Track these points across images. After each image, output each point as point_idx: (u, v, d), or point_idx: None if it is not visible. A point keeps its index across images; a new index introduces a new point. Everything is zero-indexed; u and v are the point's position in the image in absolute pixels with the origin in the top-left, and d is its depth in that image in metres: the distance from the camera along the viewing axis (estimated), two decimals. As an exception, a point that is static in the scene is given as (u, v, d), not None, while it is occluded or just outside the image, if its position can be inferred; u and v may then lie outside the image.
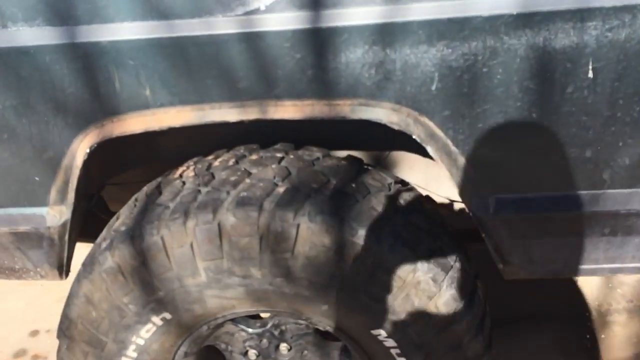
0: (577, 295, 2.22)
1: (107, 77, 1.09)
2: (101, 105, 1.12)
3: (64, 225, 1.28)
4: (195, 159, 1.32)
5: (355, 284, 1.13)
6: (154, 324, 1.23)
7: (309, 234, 1.10)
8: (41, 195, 1.26)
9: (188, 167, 1.29)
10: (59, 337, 1.30)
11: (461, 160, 1.12)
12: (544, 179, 1.13)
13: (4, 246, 1.35)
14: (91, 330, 1.24)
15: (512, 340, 2.06)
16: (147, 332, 1.24)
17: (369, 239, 1.11)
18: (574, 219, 1.16)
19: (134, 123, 1.13)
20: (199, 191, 1.18)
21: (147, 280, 1.16)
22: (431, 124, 1.09)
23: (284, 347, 1.37)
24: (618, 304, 2.22)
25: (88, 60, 1.07)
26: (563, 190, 1.14)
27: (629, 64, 0.99)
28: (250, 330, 1.36)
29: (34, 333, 2.44)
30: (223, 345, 1.40)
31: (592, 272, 1.27)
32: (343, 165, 1.26)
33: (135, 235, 1.15)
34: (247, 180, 1.18)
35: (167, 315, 1.22)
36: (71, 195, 1.24)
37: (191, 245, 1.13)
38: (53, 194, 1.25)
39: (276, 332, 1.36)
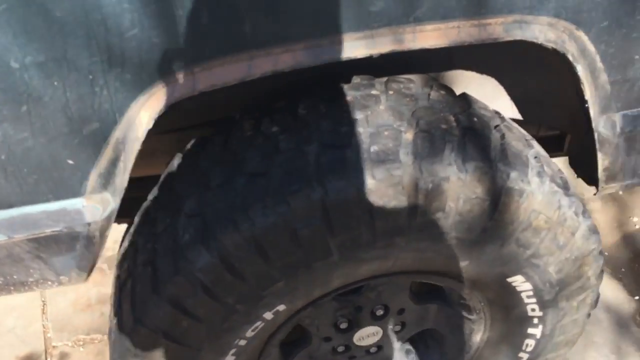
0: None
1: (192, 10, 0.76)
2: (178, 50, 0.79)
3: (109, 218, 0.95)
4: (253, 110, 1.04)
5: (506, 233, 0.99)
6: (263, 320, 0.99)
7: (460, 186, 0.92)
8: (75, 184, 0.91)
9: (256, 119, 1.00)
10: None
11: (603, 77, 0.99)
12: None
13: (16, 258, 0.98)
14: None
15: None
16: (252, 331, 1.00)
17: (521, 181, 0.96)
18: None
19: (228, 71, 0.82)
20: (303, 151, 0.92)
21: (263, 271, 0.91)
22: (585, 39, 0.93)
23: (379, 311, 1.21)
24: (589, 192, 2.34)
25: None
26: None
27: None
28: (340, 301, 1.17)
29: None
30: (308, 321, 1.20)
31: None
32: (448, 97, 1.06)
33: (238, 219, 0.88)
34: (361, 130, 0.94)
35: (281, 307, 0.99)
36: (122, 179, 0.91)
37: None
38: (93, 179, 0.90)
39: (372, 297, 1.19)
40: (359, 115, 0.97)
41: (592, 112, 1.04)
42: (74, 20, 0.74)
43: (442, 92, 1.07)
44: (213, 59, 0.81)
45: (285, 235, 0.89)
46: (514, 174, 0.95)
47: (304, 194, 0.87)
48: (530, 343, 1.25)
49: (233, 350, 1.02)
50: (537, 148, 1.08)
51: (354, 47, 0.85)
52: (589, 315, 1.25)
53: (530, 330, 1.22)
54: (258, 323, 0.99)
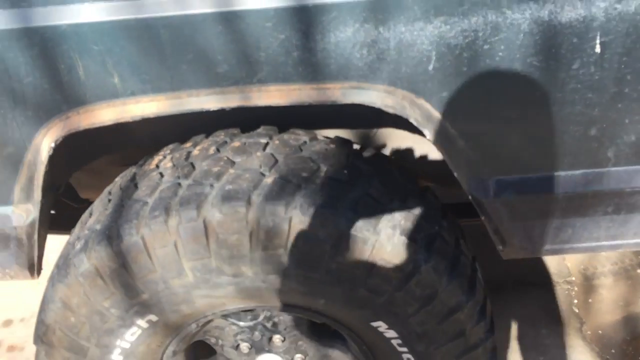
0: (562, 260, 2.22)
1: (70, 65, 0.98)
2: (64, 95, 1.01)
3: (31, 224, 1.18)
4: (171, 147, 1.23)
5: (353, 277, 1.07)
6: (139, 327, 1.16)
7: (301, 228, 1.03)
8: (4, 194, 1.15)
9: (165, 156, 1.19)
10: (35, 343, 1.22)
11: (460, 142, 1.05)
12: (546, 159, 1.08)
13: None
14: (71, 336, 1.16)
15: (499, 307, 2.06)
16: (132, 335, 1.17)
17: (367, 231, 1.04)
18: (577, 198, 1.12)
19: (104, 114, 1.03)
20: (180, 184, 1.09)
21: (128, 283, 1.08)
22: (428, 106, 1.01)
23: (277, 338, 1.32)
24: (603, 267, 2.23)
25: (46, 46, 0.96)
26: (566, 169, 1.09)
27: (638, 37, 0.93)
28: (241, 323, 1.30)
29: (7, 323, 2.34)
30: (213, 340, 1.34)
31: (593, 249, 1.24)
32: (332, 149, 1.18)
33: (112, 235, 1.07)
34: (232, 171, 1.09)
35: (153, 318, 1.15)
36: (37, 193, 1.13)
37: (175, 245, 1.04)
38: (17, 192, 1.14)
39: (269, 325, 1.30)
40: (237, 159, 1.12)
41: (457, 175, 1.10)
42: (-15, 69, 0.99)
43: (332, 145, 1.19)
44: (92, 104, 1.02)
45: (145, 254, 1.05)
46: (360, 223, 1.04)
47: (162, 220, 1.04)
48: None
49: (118, 351, 1.19)
50: (414, 205, 1.15)
51: (207, 101, 1.01)
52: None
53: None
54: (134, 329, 1.16)
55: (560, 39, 0.93)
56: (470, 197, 1.13)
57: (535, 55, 0.95)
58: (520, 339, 1.95)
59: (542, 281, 2.15)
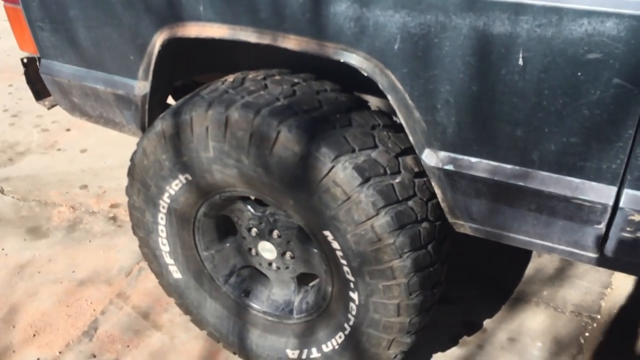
0: (598, 298, 2.23)
1: (177, -7, 1.50)
2: (173, 11, 1.55)
3: (145, 96, 1.77)
4: (242, 72, 1.71)
5: (311, 188, 1.45)
6: (180, 180, 1.68)
7: (284, 141, 1.43)
8: (133, 70, 1.75)
9: (233, 76, 1.68)
10: (127, 175, 1.82)
11: (416, 113, 1.35)
12: (482, 146, 1.31)
13: (109, 103, 1.89)
14: (143, 174, 1.74)
15: (506, 314, 2.19)
16: (176, 186, 1.70)
17: (327, 157, 1.40)
18: (505, 187, 1.33)
19: (191, 30, 1.54)
20: (227, 92, 1.57)
21: (177, 146, 1.61)
22: (393, 77, 1.32)
23: (275, 233, 1.75)
24: (635, 321, 2.19)
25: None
26: (499, 160, 1.31)
27: (554, 59, 1.12)
28: (253, 211, 1.75)
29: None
30: (235, 219, 1.82)
31: (528, 245, 1.42)
32: (341, 100, 1.54)
33: (177, 112, 1.59)
34: (261, 92, 1.53)
35: (189, 177, 1.66)
36: (150, 75, 1.71)
37: (206, 128, 1.53)
38: (141, 71, 1.74)
39: (271, 220, 1.73)
40: (270, 86, 1.56)
41: (413, 141, 1.39)
42: (135, -15, 1.56)
43: (344, 98, 1.56)
44: (185, 22, 1.54)
45: (189, 128, 1.56)
46: (325, 150, 1.41)
47: (204, 109, 1.53)
48: (353, 307, 1.60)
49: (167, 194, 1.73)
50: (380, 156, 1.46)
51: (250, 36, 1.46)
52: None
53: (350, 294, 1.58)
54: (177, 181, 1.68)
55: (491, 46, 1.17)
56: (421, 162, 1.41)
57: (471, 56, 1.20)
58: (512, 342, 2.08)
59: (565, 307, 2.20)
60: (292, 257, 1.77)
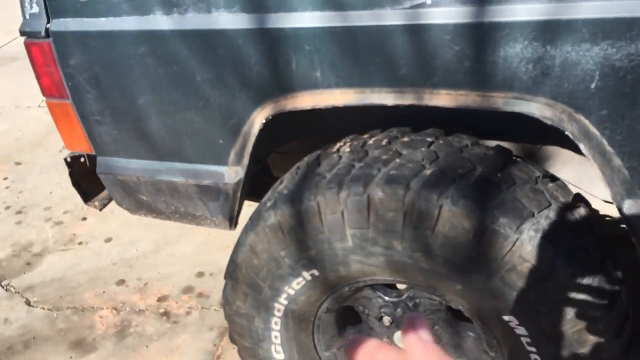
0: None
1: (286, 59, 1.25)
2: (279, 83, 1.30)
3: (238, 183, 1.50)
4: (351, 136, 1.45)
5: (491, 268, 1.19)
6: (304, 278, 1.40)
7: (450, 216, 1.18)
8: (223, 156, 1.48)
9: (345, 143, 1.42)
10: (225, 277, 1.53)
11: (616, 160, 1.11)
12: None
13: (190, 196, 1.61)
14: (252, 275, 1.45)
15: None
16: (297, 285, 1.42)
17: (509, 229, 1.15)
18: None
19: (304, 100, 1.29)
20: (353, 166, 1.31)
21: (301, 239, 1.33)
22: (586, 122, 1.09)
23: (415, 318, 1.47)
24: None
25: (273, 44, 1.25)
26: None
27: None
28: (386, 298, 1.48)
29: (200, 274, 2.82)
30: (361, 308, 1.54)
31: None
32: (490, 155, 1.30)
33: (295, 198, 1.32)
34: (397, 160, 1.28)
35: (316, 272, 1.38)
36: (246, 158, 1.44)
37: (342, 213, 1.26)
38: (232, 155, 1.47)
39: (410, 304, 1.46)
40: (403, 151, 1.31)
41: (611, 192, 1.15)
42: (227, 56, 1.31)
43: (491, 151, 1.32)
44: (298, 92, 1.29)
45: (318, 217, 1.29)
46: (503, 221, 1.16)
47: (335, 191, 1.27)
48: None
49: (285, 295, 1.45)
50: (561, 215, 1.22)
51: (386, 97, 1.22)
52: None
53: (538, 383, 1.31)
54: (300, 279, 1.40)
55: None
56: (622, 216, 1.17)
57: (701, 84, 0.98)
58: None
59: None
60: (439, 342, 1.49)
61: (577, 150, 1.33)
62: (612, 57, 1.01)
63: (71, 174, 1.83)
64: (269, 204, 1.40)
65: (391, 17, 1.13)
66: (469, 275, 1.22)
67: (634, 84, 1.02)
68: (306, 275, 1.40)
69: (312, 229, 1.31)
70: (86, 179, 1.84)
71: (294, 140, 1.69)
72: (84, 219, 3.54)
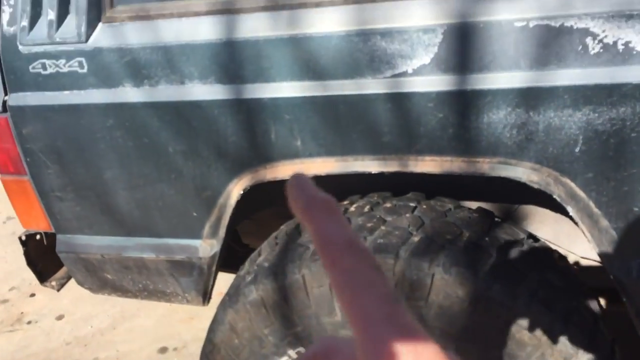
0: None
1: (265, 129, 1.22)
2: (257, 153, 1.25)
3: (213, 256, 1.42)
4: None
5: (488, 338, 1.15)
6: (289, 356, 1.32)
7: (443, 284, 1.14)
8: (197, 229, 1.41)
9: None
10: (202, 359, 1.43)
11: (603, 222, 1.11)
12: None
13: (160, 272, 1.52)
14: (232, 356, 1.35)
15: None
16: (281, 364, 1.34)
17: (504, 295, 1.12)
18: None
19: (284, 170, 1.25)
20: (338, 235, 1.26)
21: (286, 315, 1.26)
22: (573, 185, 1.10)
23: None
24: None
25: (250, 114, 1.21)
26: None
27: None
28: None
29: (163, 350, 2.64)
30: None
31: None
32: (475, 218, 1.29)
33: (278, 272, 1.26)
34: (383, 228, 1.24)
35: (302, 350, 1.30)
36: (222, 231, 1.37)
37: (329, 286, 1.20)
38: (207, 228, 1.40)
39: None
40: (388, 218, 1.28)
41: (598, 252, 1.15)
42: (202, 127, 1.26)
43: (475, 214, 1.30)
44: (277, 162, 1.25)
45: (304, 291, 1.23)
46: (497, 287, 1.13)
47: (322, 264, 1.21)
48: None
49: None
50: (552, 277, 1.20)
51: (369, 165, 1.19)
52: None
53: None
54: (285, 358, 1.32)
55: None
56: (612, 277, 1.17)
57: (683, 145, 1.00)
58: None
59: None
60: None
61: (554, 209, 1.34)
62: (595, 122, 1.03)
63: (26, 253, 1.70)
64: (248, 278, 1.33)
65: (373, 86, 1.12)
66: (464, 346, 1.17)
67: (617, 147, 1.04)
68: (292, 354, 1.31)
69: (297, 303, 1.24)
70: (42, 258, 1.72)
71: (270, 207, 1.64)
72: (32, 295, 3.30)
